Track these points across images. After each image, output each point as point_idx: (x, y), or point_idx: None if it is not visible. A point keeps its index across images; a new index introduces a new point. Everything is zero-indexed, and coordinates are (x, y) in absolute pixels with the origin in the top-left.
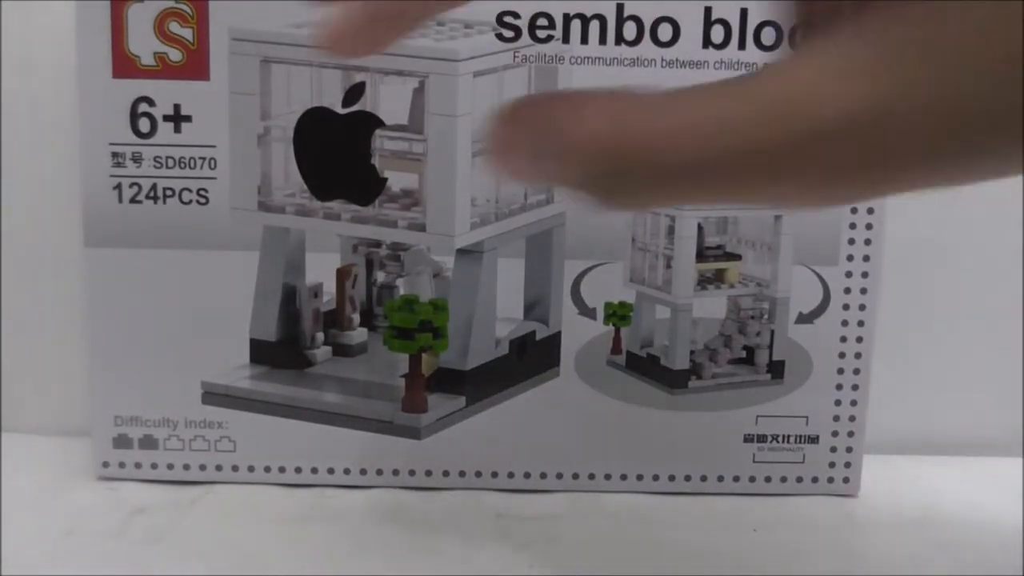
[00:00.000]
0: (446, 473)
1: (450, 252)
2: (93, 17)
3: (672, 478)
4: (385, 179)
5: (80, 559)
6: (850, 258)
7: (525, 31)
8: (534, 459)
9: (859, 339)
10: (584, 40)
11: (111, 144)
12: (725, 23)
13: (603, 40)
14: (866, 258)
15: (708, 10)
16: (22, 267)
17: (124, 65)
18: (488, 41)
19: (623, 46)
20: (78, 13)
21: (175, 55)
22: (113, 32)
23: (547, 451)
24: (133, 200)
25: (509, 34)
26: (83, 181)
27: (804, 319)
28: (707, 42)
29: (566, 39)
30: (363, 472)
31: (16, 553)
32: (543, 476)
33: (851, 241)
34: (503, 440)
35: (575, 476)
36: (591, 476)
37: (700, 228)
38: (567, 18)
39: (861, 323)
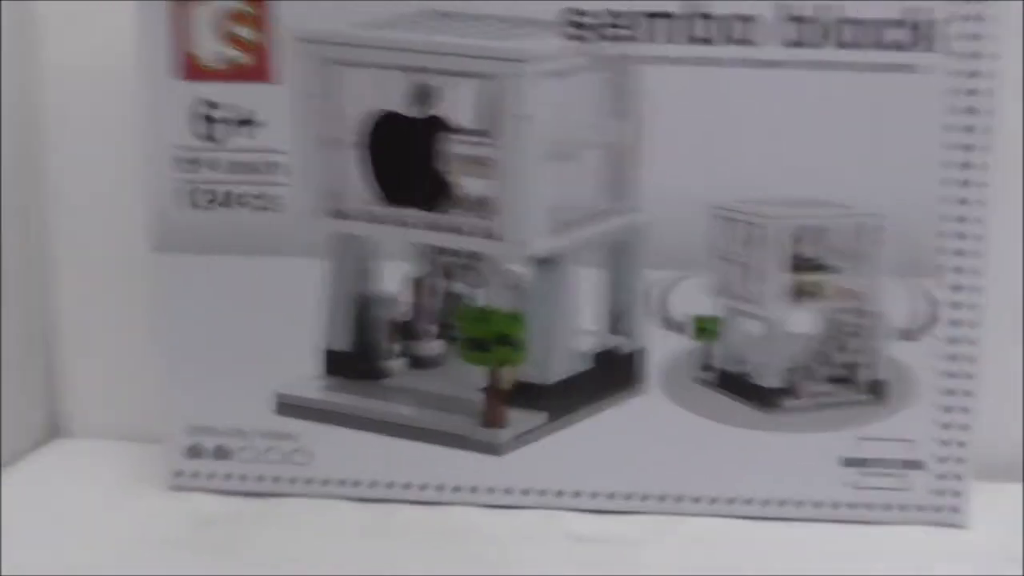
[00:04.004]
0: (526, 492)
1: (524, 261)
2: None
3: (764, 503)
4: (454, 184)
5: (150, 568)
6: (958, 270)
7: (598, 31)
8: (616, 479)
9: (969, 358)
10: (656, 39)
11: (178, 147)
12: (805, 20)
13: (677, 39)
14: (975, 270)
15: (787, 7)
16: (88, 271)
17: (189, 67)
18: (559, 41)
19: (699, 45)
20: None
21: (241, 57)
22: (177, 33)
23: (630, 471)
24: (204, 206)
25: (580, 34)
26: (149, 187)
27: (908, 336)
28: (787, 40)
29: (637, 39)
30: (439, 488)
31: (88, 561)
32: (627, 497)
33: (959, 252)
34: (585, 458)
35: (660, 498)
36: (677, 498)
37: (796, 238)
38: (638, 16)
39: (971, 340)
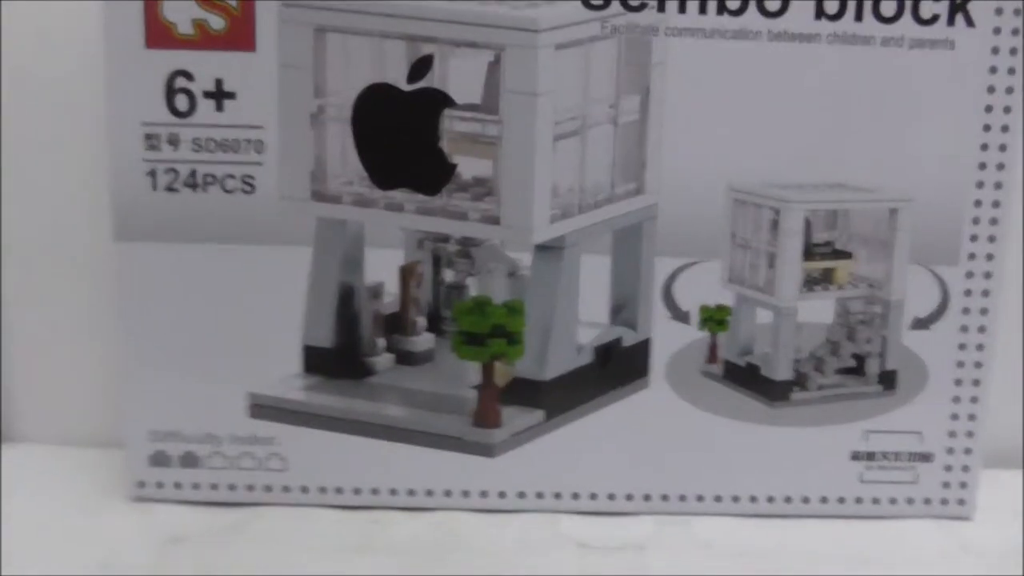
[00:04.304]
0: (521, 495)
1: (527, 248)
2: None
3: (771, 500)
4: (455, 165)
5: None
6: (971, 256)
7: None
8: (619, 479)
9: (979, 346)
10: (682, 8)
11: (144, 124)
12: None
13: (703, 9)
14: (989, 256)
15: None
16: (44, 262)
17: (158, 34)
18: (573, 9)
19: (725, 16)
20: None
21: (216, 22)
22: None
23: (633, 470)
24: (169, 188)
25: (598, 2)
26: (112, 167)
27: (920, 324)
28: (820, 12)
29: (661, 7)
30: (429, 493)
31: None
32: (628, 498)
33: (973, 238)
34: (585, 458)
35: (664, 498)
36: (681, 498)
37: (808, 223)
38: None
39: (982, 328)
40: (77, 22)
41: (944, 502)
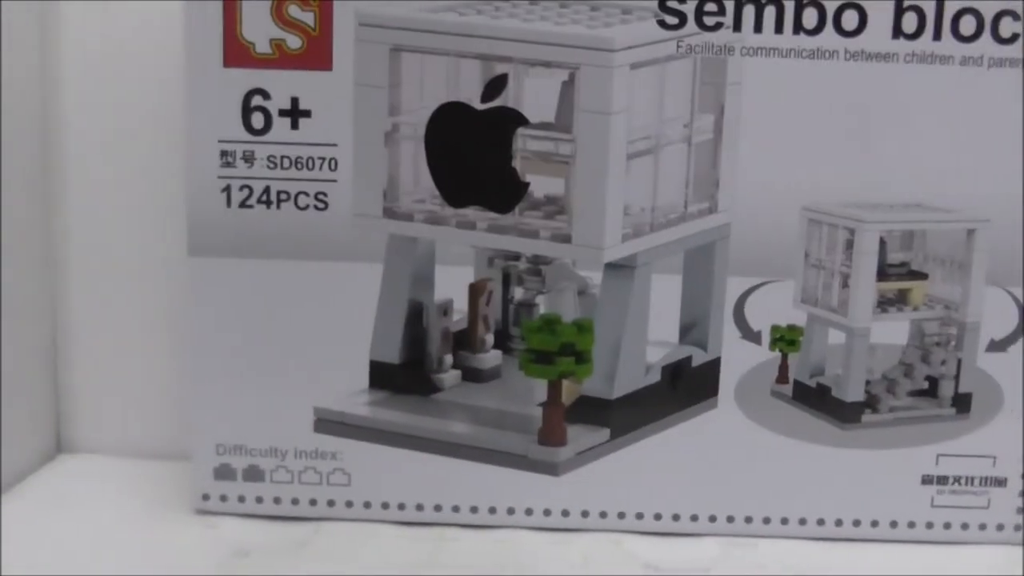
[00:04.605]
0: (585, 514)
1: (598, 266)
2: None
3: (839, 523)
4: (527, 184)
5: None
6: None
7: (691, 17)
8: (684, 499)
9: None
10: (758, 28)
11: (220, 142)
12: (919, 10)
13: (779, 28)
14: None
15: None
16: (117, 275)
17: (236, 53)
18: (648, 28)
19: (802, 35)
20: None
21: (294, 42)
22: (225, 16)
23: (699, 491)
24: (243, 204)
25: (673, 21)
26: (188, 183)
27: (996, 347)
28: (898, 31)
29: (737, 27)
30: (492, 511)
31: None
32: (694, 518)
33: None
34: (650, 478)
35: (730, 519)
36: (748, 519)
37: (883, 242)
38: (739, 3)
39: None
40: (158, 41)
41: (1017, 528)
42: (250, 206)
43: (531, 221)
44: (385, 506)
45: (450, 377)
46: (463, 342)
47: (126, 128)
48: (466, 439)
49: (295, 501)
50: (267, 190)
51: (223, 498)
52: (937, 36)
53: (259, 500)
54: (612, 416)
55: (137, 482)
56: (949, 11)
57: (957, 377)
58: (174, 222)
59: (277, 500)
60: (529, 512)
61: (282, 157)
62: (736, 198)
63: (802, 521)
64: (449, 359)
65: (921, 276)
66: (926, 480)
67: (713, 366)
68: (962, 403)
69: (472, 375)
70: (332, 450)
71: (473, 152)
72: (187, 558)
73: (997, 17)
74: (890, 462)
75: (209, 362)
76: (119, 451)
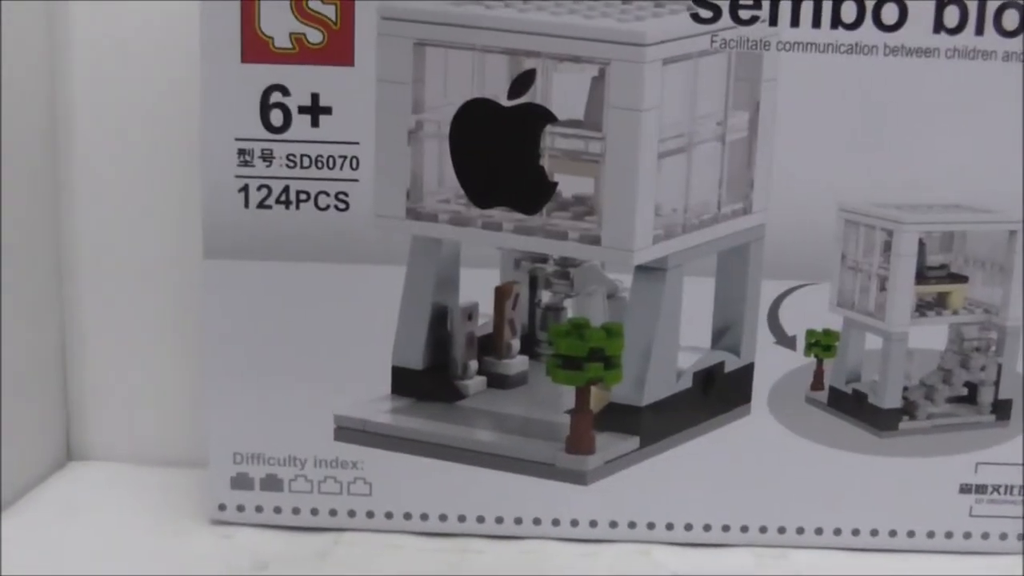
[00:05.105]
0: (614, 524)
1: (628, 269)
2: None
3: (874, 533)
4: (555, 183)
5: None
6: None
7: (726, 11)
8: (716, 509)
9: None
10: (795, 22)
11: (237, 140)
12: (961, 4)
13: (817, 23)
14: None
15: None
16: (129, 279)
17: (255, 48)
18: (681, 22)
19: (840, 30)
20: None
21: (314, 36)
22: (243, 10)
23: (731, 500)
24: (261, 205)
25: (707, 14)
26: (204, 183)
27: None
28: (939, 26)
29: (773, 21)
30: (518, 521)
31: None
32: (725, 529)
33: None
34: (681, 487)
35: (762, 529)
36: (781, 530)
37: (922, 244)
38: None
39: None
40: (169, 36)
41: None
42: (268, 206)
43: (559, 222)
44: (407, 516)
45: (475, 383)
46: (488, 347)
47: (138, 127)
48: (491, 447)
49: (315, 511)
50: (286, 190)
51: (240, 508)
52: (980, 31)
53: (277, 510)
54: (642, 423)
55: (150, 491)
56: (992, 5)
57: (997, 383)
58: (189, 223)
59: (296, 510)
60: (556, 523)
61: (302, 156)
62: (771, 198)
63: (837, 531)
64: (474, 365)
65: (961, 279)
66: (964, 489)
67: (746, 372)
68: (1002, 410)
69: (498, 381)
70: (353, 459)
71: (499, 151)
72: (202, 570)
73: None
74: (928, 470)
75: (226, 368)
76: (131, 459)
